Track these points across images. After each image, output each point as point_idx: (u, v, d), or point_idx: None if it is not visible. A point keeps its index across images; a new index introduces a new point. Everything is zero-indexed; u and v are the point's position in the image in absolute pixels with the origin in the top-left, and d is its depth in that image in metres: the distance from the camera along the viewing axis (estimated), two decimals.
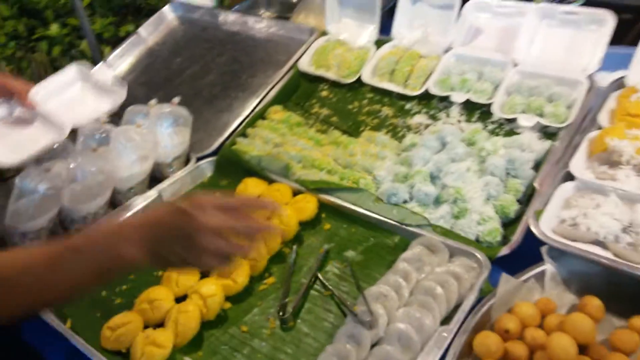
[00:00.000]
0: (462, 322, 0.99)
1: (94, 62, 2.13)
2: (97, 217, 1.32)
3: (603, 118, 1.28)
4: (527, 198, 1.23)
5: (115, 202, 1.38)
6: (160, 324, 1.05)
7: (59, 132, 1.43)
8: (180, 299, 1.09)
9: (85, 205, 1.31)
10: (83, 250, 0.79)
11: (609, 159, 1.18)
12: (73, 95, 1.60)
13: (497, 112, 1.40)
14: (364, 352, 0.97)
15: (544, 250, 1.11)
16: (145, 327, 1.05)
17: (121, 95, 1.45)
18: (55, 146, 1.39)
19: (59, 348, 1.06)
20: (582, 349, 0.95)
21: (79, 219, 1.31)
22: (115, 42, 2.37)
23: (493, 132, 1.40)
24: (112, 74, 1.54)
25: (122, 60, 2.05)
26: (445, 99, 1.51)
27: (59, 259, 0.78)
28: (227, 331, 1.07)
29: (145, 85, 1.94)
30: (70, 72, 1.62)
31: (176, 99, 1.53)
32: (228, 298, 1.11)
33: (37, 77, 1.71)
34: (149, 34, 2.12)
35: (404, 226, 1.22)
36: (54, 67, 1.80)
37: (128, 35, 2.17)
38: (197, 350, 1.03)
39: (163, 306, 1.06)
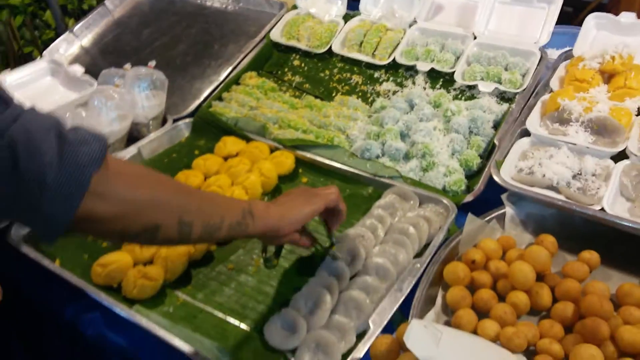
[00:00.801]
0: (433, 256, 1.09)
1: (58, 33, 2.12)
2: None
3: (554, 83, 1.41)
4: (487, 153, 1.34)
5: None
6: (148, 263, 1.09)
7: None
8: None
9: None
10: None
11: (561, 117, 1.30)
12: (42, 86, 1.58)
13: (459, 80, 1.52)
14: (344, 282, 1.05)
15: (504, 196, 1.22)
16: (134, 265, 1.08)
17: (91, 87, 1.46)
18: None
19: (48, 290, 1.08)
20: (540, 277, 1.06)
21: None
22: (79, 15, 2.35)
23: (456, 98, 1.51)
24: (82, 70, 1.54)
25: (88, 31, 2.05)
26: (411, 68, 1.61)
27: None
28: (215, 269, 1.12)
29: (114, 54, 1.95)
30: (40, 65, 1.60)
31: (152, 63, 1.56)
32: None
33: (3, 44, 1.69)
34: (115, 6, 2.12)
35: (377, 178, 1.30)
36: (19, 36, 1.79)
37: (92, 8, 2.16)
38: (186, 285, 1.08)
39: (151, 246, 1.10)
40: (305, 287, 1.04)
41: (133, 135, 1.49)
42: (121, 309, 0.99)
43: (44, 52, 1.90)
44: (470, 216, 1.15)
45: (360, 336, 0.94)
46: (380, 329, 0.94)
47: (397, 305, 0.98)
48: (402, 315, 0.98)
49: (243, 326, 1.00)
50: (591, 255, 1.09)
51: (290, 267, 1.13)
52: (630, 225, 1.08)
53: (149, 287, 1.03)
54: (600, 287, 1.02)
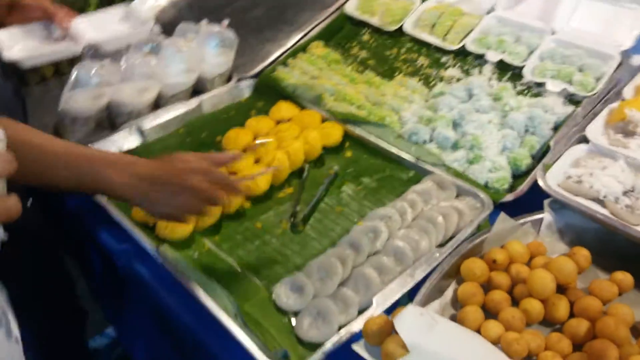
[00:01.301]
0: (455, 248, 1.08)
1: None
2: (141, 114, 1.43)
3: (628, 92, 1.32)
4: (541, 155, 1.29)
5: (159, 105, 1.49)
6: None
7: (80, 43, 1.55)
8: None
9: (131, 102, 1.42)
10: (79, 162, 0.90)
11: (625, 128, 1.23)
12: (111, 29, 1.70)
13: (528, 75, 1.46)
14: (361, 258, 1.07)
15: (546, 202, 1.17)
16: None
17: (145, 24, 1.61)
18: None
19: (97, 216, 1.19)
20: (562, 289, 1.03)
21: (125, 114, 1.43)
22: None
23: (521, 93, 1.45)
24: (146, 10, 1.69)
25: None
26: (480, 57, 1.56)
27: (59, 155, 0.89)
28: (243, 224, 1.18)
29: (198, 9, 2.03)
30: (114, 12, 1.74)
31: (225, 21, 1.62)
32: (248, 198, 1.22)
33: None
34: None
35: (419, 163, 1.30)
36: None
37: None
38: (214, 235, 1.15)
39: None
40: (322, 255, 1.07)
41: (198, 89, 1.57)
42: (150, 246, 1.07)
43: (133, 3, 2.02)
44: (502, 215, 1.12)
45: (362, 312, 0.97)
46: (382, 309, 0.96)
47: (405, 290, 0.99)
48: (409, 299, 0.99)
49: (256, 281, 1.05)
50: (624, 277, 1.04)
51: (314, 235, 1.16)
52: None
53: (180, 230, 1.10)
54: (623, 311, 0.97)
